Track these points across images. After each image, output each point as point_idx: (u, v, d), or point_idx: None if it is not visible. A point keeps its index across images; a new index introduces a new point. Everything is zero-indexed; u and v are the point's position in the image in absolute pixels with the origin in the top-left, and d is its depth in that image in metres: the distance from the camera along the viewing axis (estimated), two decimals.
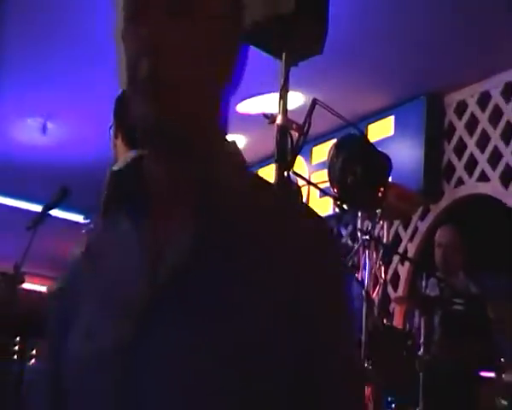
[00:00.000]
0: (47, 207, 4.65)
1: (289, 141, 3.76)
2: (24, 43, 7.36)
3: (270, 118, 3.81)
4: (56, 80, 8.11)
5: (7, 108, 8.96)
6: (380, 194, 4.71)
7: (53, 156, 9.67)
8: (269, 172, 8.62)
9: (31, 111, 8.89)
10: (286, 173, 3.83)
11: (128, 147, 4.27)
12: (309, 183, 6.05)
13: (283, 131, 3.75)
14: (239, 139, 8.69)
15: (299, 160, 5.87)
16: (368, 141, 5.24)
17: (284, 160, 3.78)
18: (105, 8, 6.51)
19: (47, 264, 8.88)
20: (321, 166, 7.46)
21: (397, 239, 7.78)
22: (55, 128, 9.08)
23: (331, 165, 4.77)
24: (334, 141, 5.03)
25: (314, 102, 4.01)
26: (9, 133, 9.64)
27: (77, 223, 11.50)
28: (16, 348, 4.77)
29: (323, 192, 6.51)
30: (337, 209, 7.13)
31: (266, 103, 7.41)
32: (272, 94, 7.06)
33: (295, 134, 3.82)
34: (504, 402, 4.78)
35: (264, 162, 9.07)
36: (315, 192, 7.71)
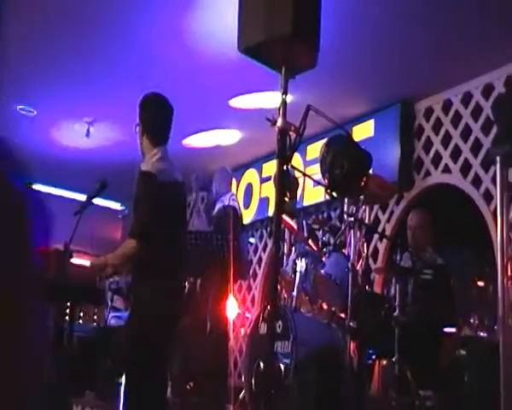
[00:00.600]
0: (90, 197, 4.72)
1: (288, 140, 3.77)
2: (74, 62, 7.38)
3: (272, 121, 3.84)
4: (98, 94, 8.16)
5: (58, 115, 9.00)
6: (362, 183, 4.75)
7: (94, 155, 9.71)
8: (271, 167, 8.87)
9: (77, 118, 8.94)
10: (285, 167, 3.79)
11: (151, 143, 4.40)
12: (304, 174, 6.08)
13: (283, 132, 3.72)
14: (234, 134, 8.73)
15: (296, 156, 5.93)
16: (353, 140, 5.30)
17: (284, 156, 3.73)
18: (142, 32, 6.60)
19: (89, 243, 8.92)
20: (314, 161, 7.45)
21: (376, 221, 7.82)
22: (96, 132, 9.13)
23: (322, 160, 4.81)
24: (324, 140, 5.02)
25: (308, 108, 4.03)
26: (59, 137, 9.69)
27: (114, 210, 11.60)
28: (67, 310, 4.82)
29: (316, 182, 6.56)
30: (327, 196, 7.20)
31: (259, 100, 7.47)
32: (265, 92, 7.25)
33: (293, 134, 3.86)
34: (463, 352, 4.82)
35: (267, 158, 9.23)
36: (309, 183, 7.77)
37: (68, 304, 4.90)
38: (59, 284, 4.49)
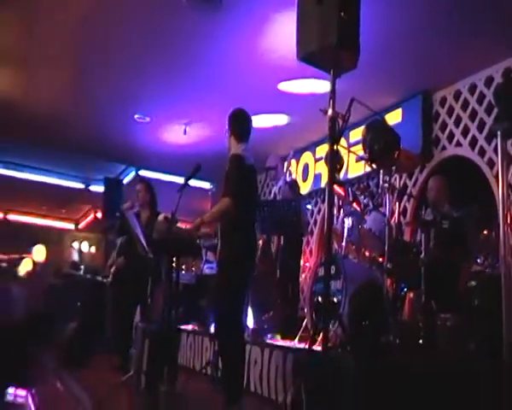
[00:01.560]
0: (188, 178, 4.71)
1: (336, 126, 3.75)
2: (175, 80, 7.54)
3: (324, 111, 3.84)
4: (192, 102, 8.25)
5: (163, 120, 9.12)
6: (394, 156, 4.76)
7: (190, 148, 9.80)
8: (322, 149, 8.82)
9: (177, 121, 9.02)
10: (335, 147, 3.82)
11: (237, 142, 4.57)
12: (349, 151, 6.08)
13: (333, 120, 3.74)
14: (282, 119, 8.52)
15: (342, 139, 5.87)
16: (386, 123, 5.25)
17: (334, 138, 3.77)
18: (221, 55, 6.62)
19: (188, 213, 9.04)
20: (356, 143, 7.42)
21: (405, 186, 7.68)
22: (191, 131, 9.19)
23: (364, 139, 4.81)
24: (363, 126, 4.94)
25: (352, 100, 3.99)
26: (165, 136, 9.82)
27: (205, 189, 11.71)
28: (173, 263, 4.83)
29: (359, 158, 6.50)
30: (368, 168, 7.13)
31: (305, 85, 7.25)
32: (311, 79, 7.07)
33: (340, 121, 3.82)
34: (473, 283, 4.76)
35: (319, 142, 9.10)
36: (352, 159, 7.74)
37: (175, 258, 4.91)
38: (169, 241, 4.54)
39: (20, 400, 8.94)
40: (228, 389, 4.28)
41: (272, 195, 6.90)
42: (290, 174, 7.10)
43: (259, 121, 8.25)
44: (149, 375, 4.72)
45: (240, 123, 4.66)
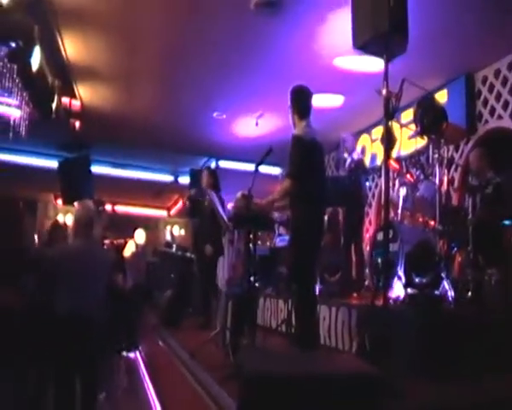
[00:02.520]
0: (261, 159, 4.57)
1: (390, 104, 3.64)
2: (246, 79, 7.58)
3: (378, 92, 3.71)
4: (262, 96, 8.17)
5: (237, 115, 9.11)
6: (443, 128, 4.59)
7: (261, 139, 9.72)
8: (377, 131, 8.59)
9: (249, 113, 8.96)
10: (390, 123, 3.72)
11: (300, 118, 4.41)
12: (402, 125, 5.94)
13: (387, 99, 3.63)
14: (338, 99, 8.24)
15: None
16: (435, 100, 5.08)
17: (389, 116, 3.66)
18: (285, 50, 6.56)
19: (262, 196, 9.02)
20: (407, 123, 6.93)
21: (452, 156, 7.32)
22: (262, 123, 9.12)
23: (416, 113, 4.69)
24: (412, 108, 4.86)
25: (403, 81, 3.83)
26: (238, 129, 9.82)
27: (275, 175, 11.60)
28: (250, 236, 4.74)
29: (414, 134, 6.26)
30: (418, 145, 6.85)
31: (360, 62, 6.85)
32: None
33: (393, 101, 3.68)
34: None
35: (374, 125, 8.88)
36: (405, 137, 7.42)
37: (252, 232, 4.84)
38: (247, 216, 4.47)
39: (131, 355, 9.23)
40: (302, 342, 4.20)
41: (346, 167, 6.66)
42: (357, 153, 6.90)
43: (319, 101, 7.98)
44: (233, 331, 4.71)
45: (301, 99, 4.45)
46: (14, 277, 3.43)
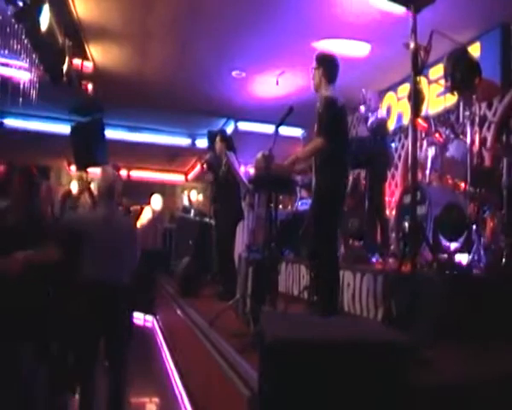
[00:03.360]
0: (281, 119, 4.52)
1: (418, 58, 3.58)
2: (268, 36, 7.51)
3: (406, 45, 3.62)
4: (283, 53, 8.09)
5: (257, 73, 9.04)
6: (475, 83, 4.47)
7: (282, 99, 9.61)
8: (403, 89, 8.42)
9: (269, 71, 8.86)
10: (418, 79, 3.69)
11: (327, 82, 4.43)
12: (430, 81, 5.80)
13: (415, 52, 3.56)
14: (364, 47, 8.07)
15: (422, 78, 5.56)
16: (467, 52, 4.91)
17: (417, 70, 3.59)
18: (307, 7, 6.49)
19: (282, 159, 9.01)
20: (436, 80, 6.86)
21: (485, 114, 7.12)
22: (283, 81, 9.00)
23: (446, 67, 4.59)
24: (441, 64, 4.72)
25: (432, 32, 3.72)
26: (258, 89, 9.74)
27: (296, 137, 11.51)
28: (271, 200, 4.72)
29: (443, 92, 6.14)
30: (448, 103, 6.72)
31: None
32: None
33: (422, 54, 3.61)
34: None
35: (400, 83, 8.72)
36: (433, 94, 7.31)
37: (272, 198, 4.82)
38: (267, 177, 4.45)
39: (148, 324, 9.41)
40: (324, 309, 4.23)
41: (368, 126, 6.57)
42: (381, 113, 6.77)
43: (345, 48, 7.85)
44: (253, 298, 4.74)
45: (332, 66, 4.50)
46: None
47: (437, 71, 6.67)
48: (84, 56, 8.30)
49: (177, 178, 17.85)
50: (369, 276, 4.76)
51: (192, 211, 10.77)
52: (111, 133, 11.32)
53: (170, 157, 15.07)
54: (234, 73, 9.11)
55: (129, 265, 4.29)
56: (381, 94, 9.04)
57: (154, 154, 14.62)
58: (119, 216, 4.54)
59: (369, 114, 6.56)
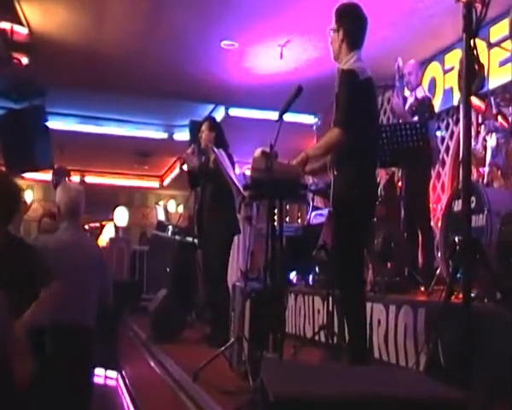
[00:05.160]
0: (285, 108, 4.52)
1: (473, 14, 3.49)
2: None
3: None
4: (289, 17, 8.13)
5: (254, 44, 9.14)
6: None
7: (286, 76, 9.67)
8: (453, 57, 8.44)
9: (271, 43, 8.95)
10: (472, 43, 3.58)
11: (349, 48, 4.35)
12: (490, 45, 5.79)
13: (468, 6, 3.49)
14: None
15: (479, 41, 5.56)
16: None
17: (471, 30, 3.53)
18: None
19: (289, 155, 9.03)
20: (499, 42, 6.79)
21: None
22: (288, 53, 9.05)
23: None
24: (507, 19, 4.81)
25: None
26: (255, 63, 9.81)
27: (308, 124, 11.54)
28: (275, 211, 4.71)
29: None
30: None
31: None
32: None
33: (478, 7, 3.55)
34: None
35: (448, 49, 8.84)
36: (494, 64, 7.26)
37: (276, 208, 4.81)
38: (269, 181, 4.37)
39: (110, 382, 9.34)
40: (347, 355, 4.26)
41: (406, 109, 6.55)
42: (423, 90, 6.76)
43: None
44: (252, 342, 4.74)
45: (354, 23, 4.39)
46: None
47: (499, 30, 6.71)
48: (16, 19, 8.14)
49: (149, 184, 17.95)
50: (407, 309, 4.75)
51: (170, 228, 10.76)
52: (57, 125, 11.35)
53: (139, 157, 15.11)
54: (223, 44, 9.16)
55: (95, 302, 4.41)
56: (423, 65, 9.02)
57: (119, 152, 14.69)
58: (86, 240, 4.70)
59: (408, 94, 6.56)
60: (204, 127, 6.88)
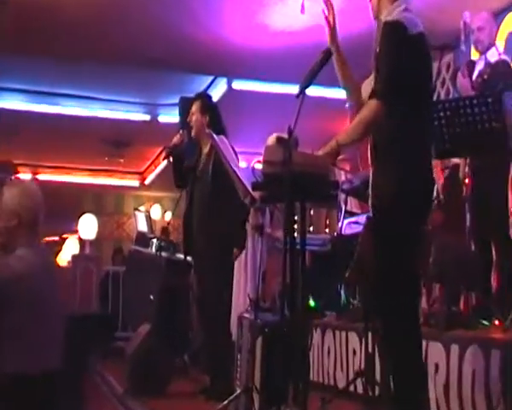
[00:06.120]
0: (311, 73, 4.53)
1: None
2: None
3: None
4: None
5: None
6: None
7: (310, 37, 9.66)
8: None
9: None
10: None
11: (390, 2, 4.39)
12: None
13: None
14: None
15: None
16: None
17: None
18: None
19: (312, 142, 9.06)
20: None
21: None
22: (313, 5, 9.05)
23: None
24: None
25: None
26: (269, 20, 9.79)
27: (339, 100, 11.47)
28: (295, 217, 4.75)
29: None
30: None
31: None
32: None
33: None
34: None
35: None
36: None
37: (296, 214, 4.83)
38: (287, 178, 4.39)
39: None
40: None
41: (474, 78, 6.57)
42: (497, 52, 6.73)
43: None
44: (265, 394, 4.77)
45: None
46: None
47: None
48: None
49: (126, 183, 17.99)
50: (476, 351, 4.76)
51: (154, 241, 10.76)
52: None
53: (112, 147, 15.16)
54: None
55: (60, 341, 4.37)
56: (498, 17, 8.97)
57: (84, 141, 14.72)
58: (51, 261, 4.60)
59: (477, 57, 6.58)
60: (194, 108, 6.89)
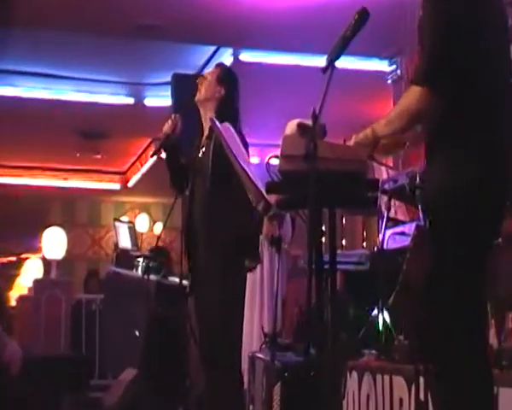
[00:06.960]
0: (342, 41, 4.54)
1: None
2: None
3: None
4: None
5: None
6: None
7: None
8: None
9: None
10: None
11: None
12: None
13: None
14: None
15: None
16: None
17: None
18: None
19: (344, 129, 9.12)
20: None
21: None
22: None
23: None
24: None
25: None
26: None
27: (379, 72, 11.53)
28: (323, 228, 4.79)
29: None
30: None
31: None
32: None
33: None
34: None
35: None
36: None
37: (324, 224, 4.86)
38: (312, 175, 4.35)
39: None
40: None
41: None
42: None
43: None
44: None
45: None
46: None
47: None
48: None
49: (103, 186, 18.08)
50: None
51: (140, 261, 10.82)
52: None
53: (86, 139, 15.24)
54: None
55: None
56: None
57: (50, 132, 14.79)
58: None
59: None
60: (210, 76, 6.81)
